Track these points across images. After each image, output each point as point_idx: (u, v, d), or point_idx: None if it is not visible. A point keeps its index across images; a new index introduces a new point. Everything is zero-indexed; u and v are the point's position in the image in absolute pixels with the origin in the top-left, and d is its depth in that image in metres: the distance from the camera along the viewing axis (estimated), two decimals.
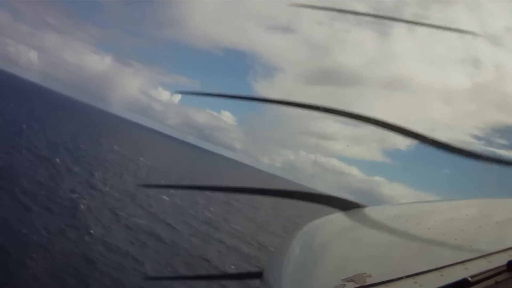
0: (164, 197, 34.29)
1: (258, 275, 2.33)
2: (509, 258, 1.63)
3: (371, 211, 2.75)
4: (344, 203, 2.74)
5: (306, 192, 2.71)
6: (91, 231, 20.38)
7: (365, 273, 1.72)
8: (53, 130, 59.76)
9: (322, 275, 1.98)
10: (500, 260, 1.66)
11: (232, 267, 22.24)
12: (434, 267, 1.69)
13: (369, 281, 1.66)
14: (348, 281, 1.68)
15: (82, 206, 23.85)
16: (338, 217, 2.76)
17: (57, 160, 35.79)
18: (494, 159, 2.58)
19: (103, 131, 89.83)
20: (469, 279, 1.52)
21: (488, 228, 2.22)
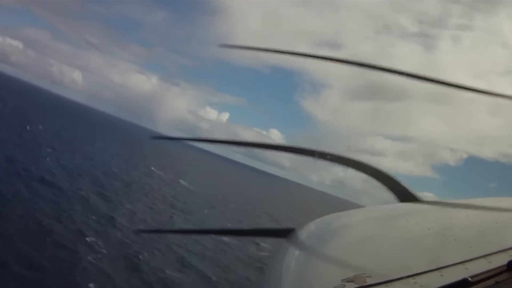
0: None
1: (285, 232, 2.41)
2: (509, 258, 1.66)
3: (371, 211, 2.93)
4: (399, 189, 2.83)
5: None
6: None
7: (365, 273, 1.74)
8: (90, 150, 58.42)
9: (322, 275, 1.99)
10: (500, 260, 1.69)
11: None
12: (434, 267, 1.71)
13: (369, 281, 1.68)
14: (348, 281, 1.70)
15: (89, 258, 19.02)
16: (338, 217, 2.97)
17: (80, 187, 32.82)
18: None
19: (145, 151, 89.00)
20: (469, 279, 1.54)
21: (488, 228, 2.26)
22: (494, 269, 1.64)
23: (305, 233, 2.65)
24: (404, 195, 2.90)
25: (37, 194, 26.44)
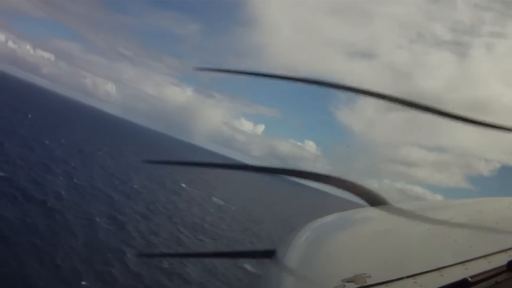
0: None
1: (269, 254, 2.42)
2: (509, 258, 1.69)
3: (371, 211, 2.82)
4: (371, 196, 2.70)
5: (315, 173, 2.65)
6: None
7: (365, 273, 1.77)
8: (113, 165, 55.60)
9: (322, 275, 2.04)
10: (500, 260, 1.72)
11: None
12: (434, 267, 1.75)
13: (369, 281, 1.72)
14: (348, 281, 1.74)
15: None
16: (338, 217, 3.03)
17: (91, 212, 29.16)
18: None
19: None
20: (469, 279, 1.57)
21: (488, 228, 2.32)
22: (494, 269, 1.67)
23: (304, 234, 2.69)
24: (375, 200, 2.79)
25: (31, 220, 23.12)
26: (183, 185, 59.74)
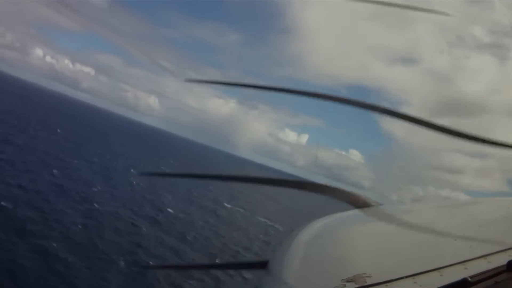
0: None
1: (263, 264, 2.45)
2: (509, 258, 1.73)
3: (371, 212, 2.97)
4: (351, 198, 2.94)
5: (309, 183, 2.91)
6: None
7: (365, 273, 1.82)
8: (147, 185, 50.49)
9: (322, 275, 2.09)
10: (500, 260, 1.76)
11: None
12: (434, 267, 1.79)
13: (369, 281, 1.76)
14: (348, 281, 1.78)
15: None
16: (338, 217, 3.09)
17: (112, 246, 25.04)
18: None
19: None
20: (469, 279, 1.62)
21: (488, 228, 2.39)
22: (493, 269, 1.70)
23: (304, 234, 2.76)
24: (363, 204, 3.00)
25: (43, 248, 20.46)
26: (226, 204, 55.13)
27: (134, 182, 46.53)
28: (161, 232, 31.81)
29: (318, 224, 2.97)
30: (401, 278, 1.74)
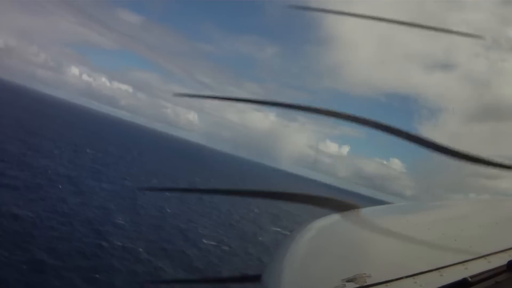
0: None
1: (257, 278, 2.48)
2: (509, 258, 1.79)
3: (371, 212, 3.17)
4: (340, 204, 3.06)
5: (298, 193, 3.14)
6: None
7: (365, 273, 1.87)
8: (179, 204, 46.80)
9: (322, 275, 2.16)
10: (500, 260, 1.82)
11: None
12: (434, 267, 1.85)
13: (369, 281, 1.81)
14: (348, 281, 1.83)
15: None
16: (338, 218, 3.11)
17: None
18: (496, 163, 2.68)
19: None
20: (469, 279, 1.66)
21: (488, 228, 2.47)
22: (494, 269, 1.77)
23: (304, 234, 2.86)
24: (346, 207, 3.08)
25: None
26: (276, 228, 49.89)
27: (165, 207, 42.22)
28: (187, 258, 27.19)
29: (318, 225, 3.05)
30: (401, 278, 1.79)
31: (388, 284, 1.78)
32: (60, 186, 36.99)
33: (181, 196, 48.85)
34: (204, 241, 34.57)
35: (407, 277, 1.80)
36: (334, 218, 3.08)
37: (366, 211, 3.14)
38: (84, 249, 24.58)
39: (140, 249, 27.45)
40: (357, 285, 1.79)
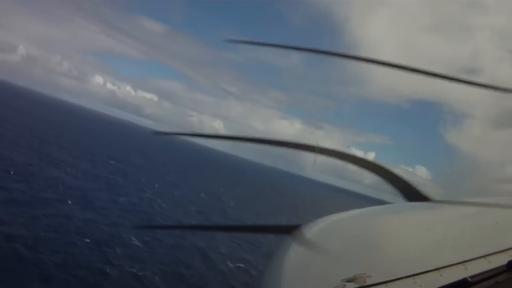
0: None
1: (290, 229, 2.78)
2: (509, 258, 1.83)
3: (371, 211, 3.36)
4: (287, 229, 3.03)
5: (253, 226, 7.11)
6: None
7: (365, 273, 1.90)
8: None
9: (322, 275, 2.17)
10: (500, 260, 1.86)
11: None
12: (434, 267, 1.88)
13: (369, 281, 1.84)
14: (348, 281, 1.86)
15: None
16: (338, 218, 3.32)
17: None
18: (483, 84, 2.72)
19: (284, 201, 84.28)
20: (469, 279, 1.69)
21: (488, 228, 2.54)
22: (494, 269, 1.80)
23: (305, 233, 2.88)
24: (412, 194, 3.33)
25: None
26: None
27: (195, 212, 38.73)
28: None
29: (318, 224, 3.08)
30: (401, 278, 1.82)
31: (388, 284, 1.80)
32: (69, 202, 33.88)
33: (205, 212, 45.66)
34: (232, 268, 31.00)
35: (407, 277, 1.82)
36: (334, 218, 3.27)
37: (366, 211, 3.28)
38: (88, 278, 21.28)
39: (156, 278, 24.03)
40: (357, 285, 1.82)
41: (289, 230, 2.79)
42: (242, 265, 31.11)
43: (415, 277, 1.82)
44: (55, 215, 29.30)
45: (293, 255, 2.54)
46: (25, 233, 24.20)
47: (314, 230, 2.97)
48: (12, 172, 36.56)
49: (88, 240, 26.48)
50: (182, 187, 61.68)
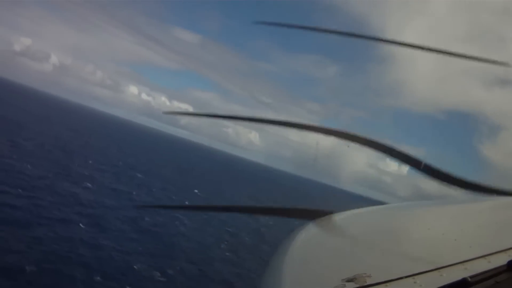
0: None
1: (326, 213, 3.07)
2: (509, 258, 1.86)
3: (370, 211, 3.40)
4: (317, 214, 3.21)
5: (279, 208, 3.61)
6: None
7: (365, 273, 1.93)
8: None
9: (322, 275, 2.22)
10: (500, 260, 1.90)
11: None
12: (434, 267, 1.92)
13: (369, 281, 1.87)
14: (348, 281, 1.89)
15: None
16: (338, 217, 3.34)
17: None
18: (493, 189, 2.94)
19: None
20: (469, 279, 1.72)
21: (488, 228, 2.66)
22: (494, 269, 1.83)
23: (305, 233, 2.95)
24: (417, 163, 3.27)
25: None
26: None
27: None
28: None
29: (318, 224, 3.14)
30: (401, 278, 1.85)
31: (388, 284, 1.83)
32: (81, 224, 30.12)
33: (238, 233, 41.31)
34: None
35: (407, 277, 1.85)
36: (334, 218, 3.28)
37: (366, 211, 3.30)
38: None
39: None
40: (357, 285, 1.85)
41: (312, 215, 2.85)
42: None
43: (415, 277, 1.85)
44: (58, 240, 25.50)
45: (293, 255, 2.54)
46: (18, 262, 20.51)
47: (314, 230, 3.05)
48: (18, 187, 33.26)
49: (98, 278, 22.49)
50: (216, 201, 57.80)
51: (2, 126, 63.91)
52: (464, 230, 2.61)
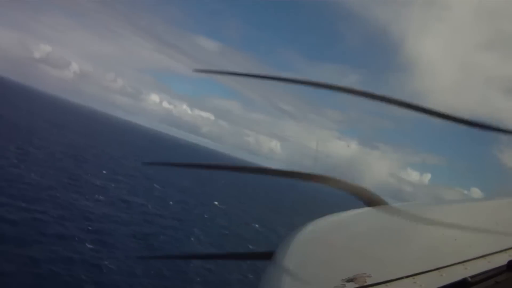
0: None
1: (268, 255, 2.64)
2: (509, 258, 1.90)
3: (371, 211, 3.19)
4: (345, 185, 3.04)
5: (305, 173, 3.01)
6: None
7: (365, 273, 1.94)
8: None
9: (322, 275, 2.21)
10: (500, 260, 1.94)
11: None
12: (434, 267, 1.94)
13: (369, 281, 1.88)
14: (348, 281, 1.90)
15: None
16: (337, 217, 3.35)
17: None
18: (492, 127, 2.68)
19: None
20: (469, 279, 1.75)
21: (488, 228, 2.61)
22: (494, 269, 1.88)
23: (304, 233, 2.90)
24: (372, 200, 3.11)
25: None
26: None
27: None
28: None
29: (317, 224, 3.09)
30: (401, 278, 1.87)
31: (388, 284, 1.85)
32: (88, 245, 27.74)
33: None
34: None
35: (407, 277, 1.87)
36: (334, 218, 3.30)
37: (366, 211, 3.24)
38: None
39: None
40: (357, 285, 1.86)
41: (268, 256, 2.67)
42: None
43: (415, 277, 1.87)
44: (55, 260, 23.12)
45: (293, 255, 2.54)
46: (3, 286, 18.19)
47: (314, 230, 3.02)
48: (20, 199, 31.17)
49: None
50: (234, 219, 55.17)
51: (13, 133, 62.61)
52: (464, 230, 2.60)
